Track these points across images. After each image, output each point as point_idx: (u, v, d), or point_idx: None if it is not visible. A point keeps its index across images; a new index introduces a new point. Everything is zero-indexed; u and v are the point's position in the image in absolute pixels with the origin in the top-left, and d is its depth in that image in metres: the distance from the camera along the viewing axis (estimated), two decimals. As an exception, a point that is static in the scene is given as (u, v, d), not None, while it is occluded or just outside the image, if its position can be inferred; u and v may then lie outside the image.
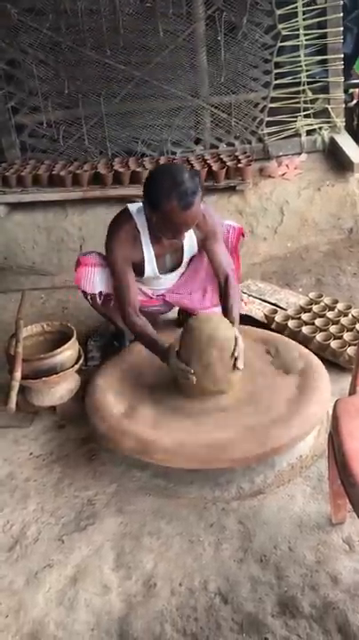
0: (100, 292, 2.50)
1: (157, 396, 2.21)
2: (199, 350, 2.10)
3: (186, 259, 2.56)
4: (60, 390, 2.42)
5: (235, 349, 2.12)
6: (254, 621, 1.57)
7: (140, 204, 2.38)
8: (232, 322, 2.23)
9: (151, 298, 2.68)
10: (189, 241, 2.47)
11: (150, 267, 2.47)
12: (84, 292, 2.53)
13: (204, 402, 2.14)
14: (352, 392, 1.60)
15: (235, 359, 2.12)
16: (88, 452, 2.25)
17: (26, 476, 2.17)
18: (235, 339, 2.14)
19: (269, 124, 3.94)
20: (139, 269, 2.47)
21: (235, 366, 2.12)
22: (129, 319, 2.37)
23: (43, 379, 2.30)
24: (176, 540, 1.84)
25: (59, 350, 2.32)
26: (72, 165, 3.88)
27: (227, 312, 2.34)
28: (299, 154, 3.99)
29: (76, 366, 2.41)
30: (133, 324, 2.36)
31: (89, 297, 2.54)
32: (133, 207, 2.41)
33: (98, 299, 2.51)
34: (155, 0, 3.55)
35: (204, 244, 2.48)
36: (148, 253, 2.43)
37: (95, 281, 2.49)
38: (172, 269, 2.58)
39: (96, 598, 1.69)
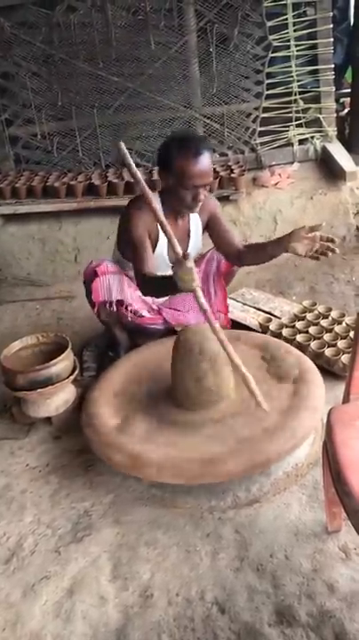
0: (119, 300, 2.51)
1: (152, 408, 2.21)
2: (190, 363, 2.11)
3: (191, 245, 2.59)
4: (56, 401, 2.42)
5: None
6: (251, 631, 1.57)
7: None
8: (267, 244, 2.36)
9: (152, 309, 2.69)
10: (195, 227, 2.57)
11: (161, 244, 2.50)
12: (95, 303, 2.53)
13: (198, 413, 2.13)
14: (346, 400, 1.61)
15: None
16: (84, 463, 2.25)
17: (22, 488, 2.17)
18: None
19: (262, 134, 3.99)
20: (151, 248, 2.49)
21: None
22: (140, 272, 2.34)
23: (39, 390, 2.30)
24: (173, 550, 1.84)
25: (54, 361, 2.33)
26: (66, 176, 3.91)
27: (262, 245, 2.44)
28: (292, 163, 4.03)
29: (72, 377, 2.41)
30: (143, 274, 2.32)
31: (106, 305, 2.52)
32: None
33: (113, 307, 2.52)
34: (146, 13, 3.59)
35: (211, 226, 2.57)
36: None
37: (112, 289, 2.50)
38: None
39: (93, 610, 1.69)
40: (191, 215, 2.54)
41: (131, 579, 1.77)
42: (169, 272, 2.38)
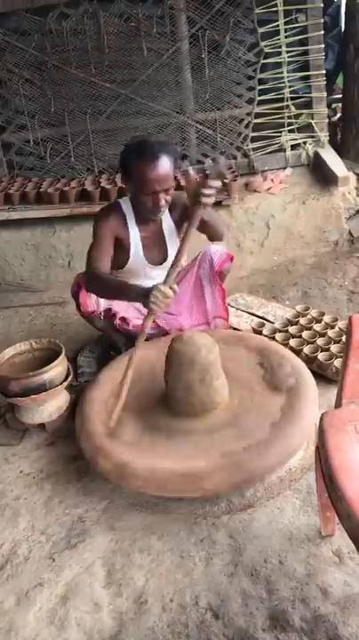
0: (107, 309, 2.54)
1: (144, 412, 2.21)
2: (181, 373, 2.09)
3: (169, 248, 2.59)
4: (50, 407, 2.42)
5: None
6: (245, 636, 1.58)
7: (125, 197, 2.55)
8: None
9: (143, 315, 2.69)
10: (168, 230, 2.57)
11: (134, 247, 2.53)
12: (85, 313, 2.56)
13: (189, 421, 2.12)
14: (338, 405, 1.61)
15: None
16: (78, 469, 2.25)
17: (16, 495, 2.17)
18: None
19: (254, 140, 4.00)
20: (124, 254, 2.54)
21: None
22: (89, 269, 2.40)
23: (32, 396, 2.30)
24: (167, 556, 1.84)
25: (47, 368, 2.33)
26: (59, 182, 3.92)
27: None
28: (284, 168, 4.05)
29: (65, 383, 2.41)
30: (92, 272, 2.39)
31: (97, 314, 2.55)
32: (120, 199, 2.57)
33: (102, 317, 2.55)
34: (139, 20, 3.61)
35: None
36: (133, 232, 2.52)
37: (100, 299, 2.53)
38: (160, 263, 2.61)
39: (87, 616, 1.69)
40: (163, 218, 2.54)
41: (126, 585, 1.77)
42: (147, 279, 2.43)
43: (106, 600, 1.73)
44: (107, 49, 3.69)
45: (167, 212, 2.51)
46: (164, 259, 2.61)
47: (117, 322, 2.56)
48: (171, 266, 2.18)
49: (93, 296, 2.52)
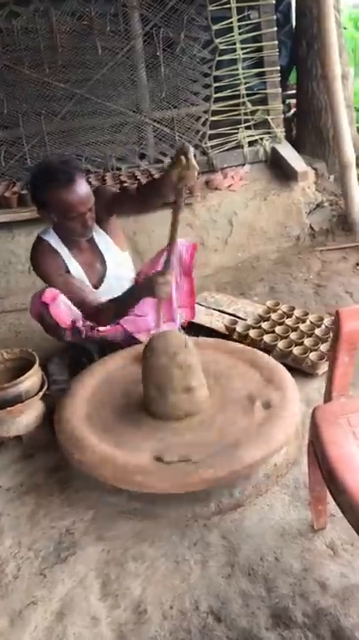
0: (73, 321, 2.49)
1: (125, 414, 2.19)
2: (161, 370, 2.09)
3: (106, 255, 2.58)
4: (26, 419, 2.35)
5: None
6: (249, 637, 1.56)
7: (46, 227, 2.53)
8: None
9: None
10: (103, 242, 2.57)
11: (78, 277, 2.52)
12: (67, 328, 2.49)
13: (170, 421, 2.12)
14: (328, 399, 1.62)
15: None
16: (60, 481, 2.18)
17: (-3, 511, 2.09)
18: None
19: (212, 137, 4.01)
20: None
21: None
22: (91, 305, 2.44)
23: (9, 408, 2.23)
24: (161, 562, 1.81)
25: (22, 378, 2.26)
26: (16, 186, 3.81)
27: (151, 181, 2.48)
28: (243, 165, 4.07)
29: (41, 393, 2.35)
30: (97, 306, 2.44)
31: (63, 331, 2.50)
32: (42, 233, 2.53)
33: (72, 328, 2.50)
34: (92, 18, 3.55)
35: (114, 206, 2.53)
36: (71, 263, 2.51)
37: (71, 307, 2.48)
38: (102, 277, 2.62)
39: (85, 631, 1.64)
40: (94, 234, 2.51)
41: (122, 595, 1.73)
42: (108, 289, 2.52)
43: (103, 613, 1.68)
44: (60, 48, 3.62)
45: None
46: (104, 270, 2.60)
47: (86, 330, 2.52)
48: (167, 254, 2.23)
49: (62, 306, 2.44)
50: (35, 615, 1.70)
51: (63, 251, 2.50)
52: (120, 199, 2.55)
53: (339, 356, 1.56)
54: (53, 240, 2.49)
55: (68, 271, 2.50)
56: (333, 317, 2.80)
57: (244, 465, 1.90)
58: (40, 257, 2.49)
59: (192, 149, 2.10)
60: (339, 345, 1.55)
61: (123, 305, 2.44)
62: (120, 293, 2.65)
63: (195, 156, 2.12)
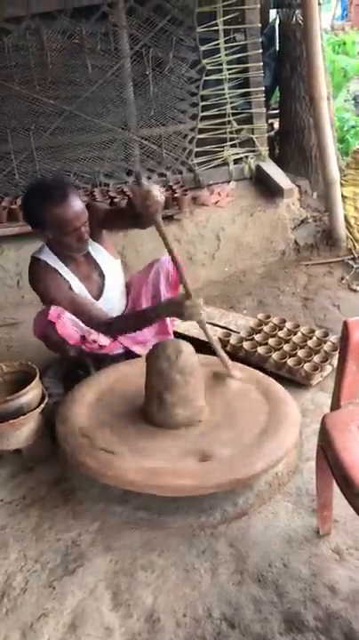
0: (83, 336, 2.48)
1: (126, 423, 2.21)
2: (165, 378, 2.12)
3: (103, 267, 2.61)
4: (26, 431, 2.34)
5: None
6: (263, 642, 1.59)
7: (40, 245, 2.54)
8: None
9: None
10: (100, 255, 2.59)
11: (79, 291, 2.53)
12: (75, 343, 2.48)
13: (166, 431, 2.15)
14: (336, 407, 1.67)
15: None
16: (63, 493, 2.18)
17: (1, 525, 2.07)
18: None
19: (198, 155, 4.09)
20: None
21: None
22: (99, 321, 2.46)
23: (11, 421, 2.22)
24: (171, 571, 1.83)
25: (25, 391, 2.25)
26: (4, 200, 3.82)
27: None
28: (228, 182, 4.15)
29: (42, 405, 2.34)
30: (110, 323, 2.47)
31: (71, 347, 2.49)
32: (37, 253, 2.53)
33: (79, 343, 2.49)
34: (82, 37, 3.60)
35: (105, 222, 2.54)
36: (71, 278, 2.52)
37: (78, 323, 2.47)
38: (101, 289, 2.63)
39: (100, 642, 1.65)
40: (89, 247, 2.53)
41: (134, 605, 1.74)
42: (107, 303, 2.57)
43: (116, 623, 1.69)
44: (50, 65, 3.66)
45: None
46: (103, 281, 2.62)
47: (93, 346, 2.52)
48: (181, 277, 2.27)
49: (69, 324, 2.42)
50: (47, 628, 1.70)
51: (61, 268, 2.50)
52: (111, 216, 2.58)
53: (348, 365, 1.61)
54: (50, 259, 2.49)
55: (71, 288, 2.50)
56: (324, 330, 2.90)
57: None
58: (39, 277, 2.47)
59: (155, 186, 2.09)
60: (347, 354, 1.61)
61: (139, 322, 2.47)
62: (117, 302, 2.68)
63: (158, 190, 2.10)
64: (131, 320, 2.51)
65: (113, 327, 2.48)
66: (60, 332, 2.37)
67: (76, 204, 2.32)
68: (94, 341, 2.47)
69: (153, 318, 2.42)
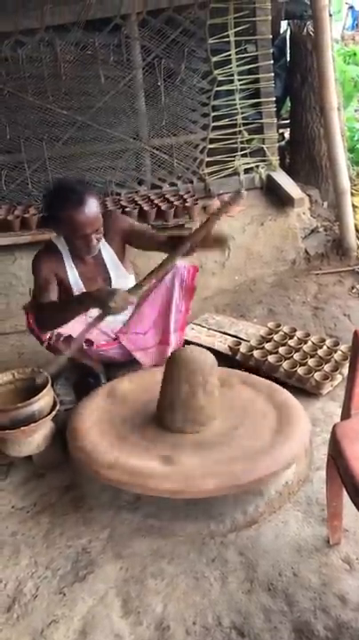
0: (59, 334, 2.50)
1: (140, 430, 2.23)
2: (178, 385, 2.15)
3: (113, 274, 2.63)
4: (37, 438, 2.36)
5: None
6: (273, 651, 1.59)
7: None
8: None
9: (110, 339, 2.70)
10: (109, 257, 2.61)
11: (75, 285, 2.56)
12: (43, 339, 2.54)
13: (181, 436, 2.17)
14: (346, 416, 1.68)
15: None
16: (73, 500, 2.20)
17: (12, 531, 2.09)
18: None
19: (209, 164, 4.11)
20: (66, 293, 2.55)
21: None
22: (39, 307, 2.49)
23: (23, 428, 2.24)
24: (181, 579, 1.83)
25: (37, 398, 2.28)
26: (17, 209, 3.86)
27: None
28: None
29: (54, 412, 2.36)
30: (41, 305, 2.47)
31: (52, 341, 2.52)
32: (54, 238, 2.59)
33: (56, 339, 2.51)
34: (95, 48, 3.65)
35: (130, 239, 2.60)
36: (71, 270, 2.56)
37: None
38: None
39: (109, 649, 1.65)
40: (101, 247, 2.56)
41: (144, 612, 1.74)
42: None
43: (126, 630, 1.70)
44: (63, 76, 3.71)
45: (103, 239, 2.53)
46: (109, 286, 2.63)
47: (85, 347, 2.54)
48: (144, 279, 2.31)
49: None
50: (58, 634, 1.71)
51: (67, 256, 2.55)
52: (138, 234, 2.62)
53: (358, 374, 1.62)
54: (61, 245, 2.55)
55: (68, 280, 2.54)
56: (334, 339, 2.91)
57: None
58: (41, 253, 2.56)
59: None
60: (357, 363, 1.61)
61: (65, 310, 2.45)
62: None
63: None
64: (61, 305, 2.49)
65: (44, 310, 2.47)
66: (33, 323, 2.47)
67: (92, 210, 2.35)
68: (89, 342, 2.50)
69: (81, 308, 2.41)
